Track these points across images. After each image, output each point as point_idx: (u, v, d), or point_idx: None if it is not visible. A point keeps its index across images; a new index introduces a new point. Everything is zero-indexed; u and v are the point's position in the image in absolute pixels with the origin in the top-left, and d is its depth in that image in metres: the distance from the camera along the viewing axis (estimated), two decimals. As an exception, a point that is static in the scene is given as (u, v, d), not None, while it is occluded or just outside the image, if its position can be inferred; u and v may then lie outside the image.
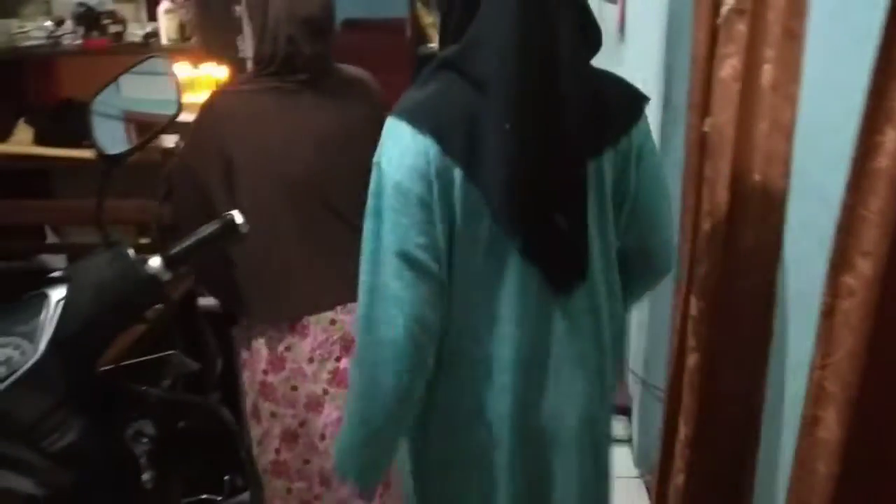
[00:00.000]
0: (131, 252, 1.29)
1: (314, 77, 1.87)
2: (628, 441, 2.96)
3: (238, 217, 1.31)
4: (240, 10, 5.13)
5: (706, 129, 1.93)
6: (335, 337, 1.91)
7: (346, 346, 1.92)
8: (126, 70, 1.45)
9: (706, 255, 1.91)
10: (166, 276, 1.29)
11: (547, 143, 1.27)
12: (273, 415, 1.98)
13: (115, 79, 1.43)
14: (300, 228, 1.89)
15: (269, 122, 1.86)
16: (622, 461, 2.92)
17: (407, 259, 1.27)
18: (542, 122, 1.26)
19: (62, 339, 1.20)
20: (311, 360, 1.92)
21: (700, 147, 1.99)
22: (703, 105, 1.99)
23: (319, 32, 1.85)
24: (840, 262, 1.24)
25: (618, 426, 3.00)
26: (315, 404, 1.95)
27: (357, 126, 1.89)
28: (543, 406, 1.42)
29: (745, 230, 1.76)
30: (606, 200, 1.37)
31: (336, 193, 1.88)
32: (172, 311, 1.51)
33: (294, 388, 1.94)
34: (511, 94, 1.25)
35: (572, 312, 1.38)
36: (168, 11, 2.62)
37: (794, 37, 1.59)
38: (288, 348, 1.92)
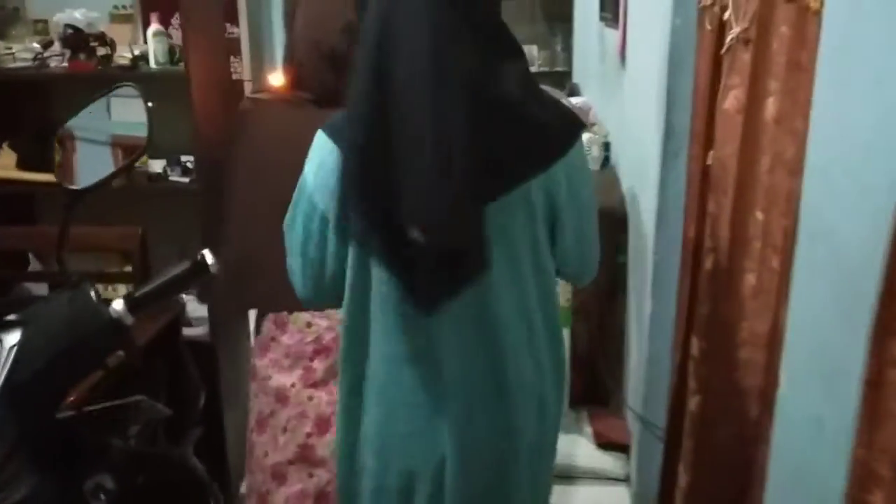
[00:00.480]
0: (93, 294, 1.21)
1: (321, 98, 1.85)
2: (626, 480, 2.86)
3: (209, 257, 1.24)
4: (238, 31, 5.12)
5: (709, 162, 1.85)
6: (309, 339, 1.94)
7: (319, 349, 1.95)
8: (95, 98, 1.37)
9: (708, 294, 1.82)
10: (130, 320, 1.21)
11: (405, 162, 1.24)
12: (255, 395, 2.04)
13: (83, 108, 1.36)
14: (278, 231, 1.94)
15: (272, 131, 1.90)
16: (620, 500, 2.82)
17: (306, 257, 1.43)
18: (387, 144, 1.25)
19: (13, 387, 1.12)
20: (287, 356, 1.96)
21: (703, 180, 1.91)
22: (705, 136, 1.92)
23: (333, 62, 1.81)
24: (884, 329, 1.10)
25: (616, 464, 2.91)
26: (283, 397, 1.97)
27: None
28: (485, 431, 1.40)
29: (749, 271, 1.67)
30: (537, 225, 1.36)
31: None
32: (138, 355, 1.43)
33: (268, 378, 1.99)
34: (356, 120, 1.28)
35: (507, 337, 1.37)
36: (157, 34, 2.55)
37: (800, 69, 1.51)
38: (273, 339, 1.98)
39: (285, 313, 1.95)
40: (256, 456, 2.02)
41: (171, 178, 2.66)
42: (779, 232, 1.58)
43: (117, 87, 1.36)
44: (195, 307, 2.88)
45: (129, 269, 2.53)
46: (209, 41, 2.64)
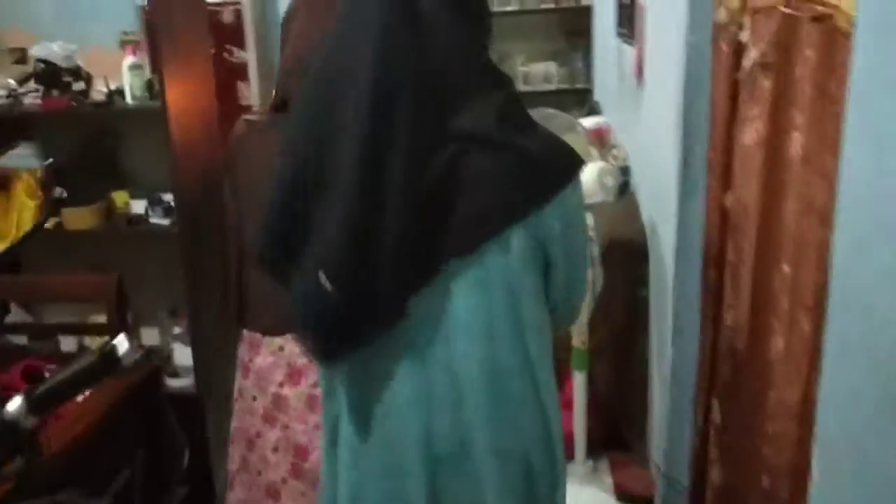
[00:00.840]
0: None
1: None
2: (651, 538, 2.62)
3: (122, 347, 1.05)
4: (246, 55, 4.98)
5: (728, 204, 1.63)
6: (281, 362, 1.93)
7: (290, 373, 1.94)
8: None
9: (729, 353, 1.60)
10: (30, 422, 1.03)
11: (310, 200, 1.17)
12: (240, 414, 2.05)
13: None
14: None
15: (259, 151, 1.90)
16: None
17: None
18: (304, 178, 1.19)
19: None
20: (261, 378, 1.97)
21: (721, 222, 1.69)
22: (724, 172, 1.70)
23: None
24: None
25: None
26: (270, 417, 1.98)
27: None
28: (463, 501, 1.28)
29: (776, 332, 1.44)
30: (517, 276, 1.21)
31: None
32: (42, 459, 1.24)
33: (254, 398, 1.99)
34: (291, 137, 1.24)
35: (474, 398, 1.23)
36: (133, 67, 2.38)
37: (828, 99, 1.29)
38: (251, 360, 1.98)
39: (259, 335, 1.95)
40: (250, 473, 2.03)
41: (152, 220, 2.49)
42: (809, 289, 1.36)
43: (13, 147, 1.18)
44: (182, 355, 2.71)
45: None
46: (190, 73, 2.47)
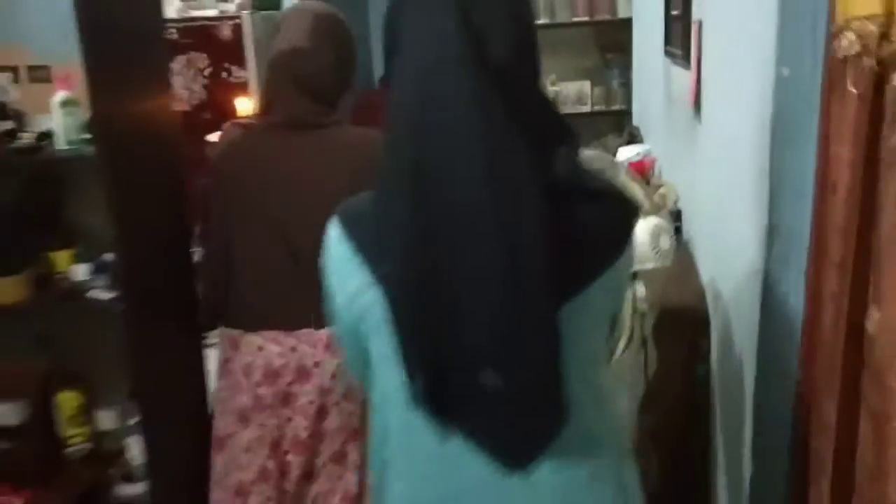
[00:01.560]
0: None
1: (290, 124, 1.95)
2: None
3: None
4: (245, 74, 4.55)
5: (870, 328, 1.11)
6: (259, 363, 1.95)
7: (268, 374, 1.94)
8: None
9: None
10: None
11: (458, 282, 1.06)
12: (216, 415, 2.07)
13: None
14: (251, 253, 1.97)
15: (253, 154, 1.97)
16: None
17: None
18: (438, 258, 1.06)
19: None
20: (244, 375, 1.97)
21: (851, 342, 1.17)
22: (854, 265, 1.18)
23: (303, 88, 1.94)
24: None
25: None
26: (243, 418, 1.97)
27: (324, 183, 1.89)
28: None
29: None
30: (595, 333, 1.19)
31: (291, 231, 1.92)
32: None
33: (229, 399, 2.00)
34: (395, 236, 1.09)
35: (568, 470, 1.14)
36: (66, 104, 1.90)
37: None
38: (228, 359, 2.00)
39: (239, 332, 1.97)
40: (218, 473, 2.02)
41: (91, 295, 2.01)
42: None
43: None
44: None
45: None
46: (142, 107, 1.99)
